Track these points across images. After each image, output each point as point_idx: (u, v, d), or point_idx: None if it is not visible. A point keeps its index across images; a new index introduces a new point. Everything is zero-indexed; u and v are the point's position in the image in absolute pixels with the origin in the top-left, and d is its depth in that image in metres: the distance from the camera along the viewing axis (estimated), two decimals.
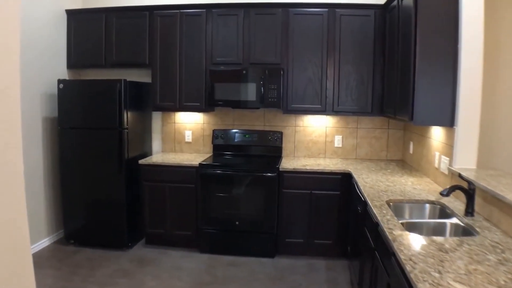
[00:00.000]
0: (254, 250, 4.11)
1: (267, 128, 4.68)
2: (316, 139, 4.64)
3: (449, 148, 3.08)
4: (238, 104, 4.27)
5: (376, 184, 3.28)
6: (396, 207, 2.77)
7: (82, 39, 4.52)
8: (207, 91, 4.30)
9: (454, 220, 2.43)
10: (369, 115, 4.30)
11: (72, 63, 4.59)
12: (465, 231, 2.28)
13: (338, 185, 3.98)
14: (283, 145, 4.64)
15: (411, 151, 4.21)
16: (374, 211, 2.51)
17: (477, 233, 2.13)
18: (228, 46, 4.28)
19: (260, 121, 4.69)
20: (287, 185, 4.02)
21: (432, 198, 2.85)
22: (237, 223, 4.09)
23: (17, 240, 1.51)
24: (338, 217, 4.02)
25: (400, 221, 2.34)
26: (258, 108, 4.36)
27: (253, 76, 4.19)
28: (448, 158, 3.09)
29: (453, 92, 2.99)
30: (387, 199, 2.80)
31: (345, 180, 3.95)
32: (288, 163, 4.20)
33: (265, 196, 4.03)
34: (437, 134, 3.40)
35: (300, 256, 4.11)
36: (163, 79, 4.40)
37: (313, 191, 4.00)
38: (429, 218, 2.77)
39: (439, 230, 2.43)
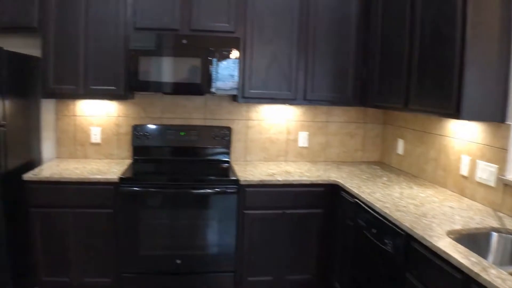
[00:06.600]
0: None
1: (209, 123, 3.42)
2: (275, 137, 3.50)
3: (497, 152, 2.19)
4: (175, 89, 2.98)
5: (398, 203, 2.28)
6: (462, 242, 1.74)
7: None
8: (128, 69, 2.94)
9: None
10: (351, 106, 3.30)
11: None
12: None
13: (321, 201, 2.91)
14: (231, 145, 3.44)
15: (399, 152, 3.29)
16: (460, 260, 1.53)
17: None
18: (158, 3, 2.94)
19: (200, 112, 3.41)
20: (250, 204, 2.84)
21: (494, 224, 1.97)
22: (178, 261, 2.82)
23: None
24: (319, 243, 2.95)
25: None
26: (202, 94, 3.13)
27: (197, 49, 2.92)
28: (495, 165, 2.19)
29: (505, 77, 2.11)
30: (446, 231, 1.83)
31: (330, 194, 2.90)
32: (247, 172, 3.02)
33: (219, 221, 2.82)
34: (463, 131, 2.49)
35: None
36: (60, 51, 2.91)
37: (286, 211, 2.88)
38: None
39: None
